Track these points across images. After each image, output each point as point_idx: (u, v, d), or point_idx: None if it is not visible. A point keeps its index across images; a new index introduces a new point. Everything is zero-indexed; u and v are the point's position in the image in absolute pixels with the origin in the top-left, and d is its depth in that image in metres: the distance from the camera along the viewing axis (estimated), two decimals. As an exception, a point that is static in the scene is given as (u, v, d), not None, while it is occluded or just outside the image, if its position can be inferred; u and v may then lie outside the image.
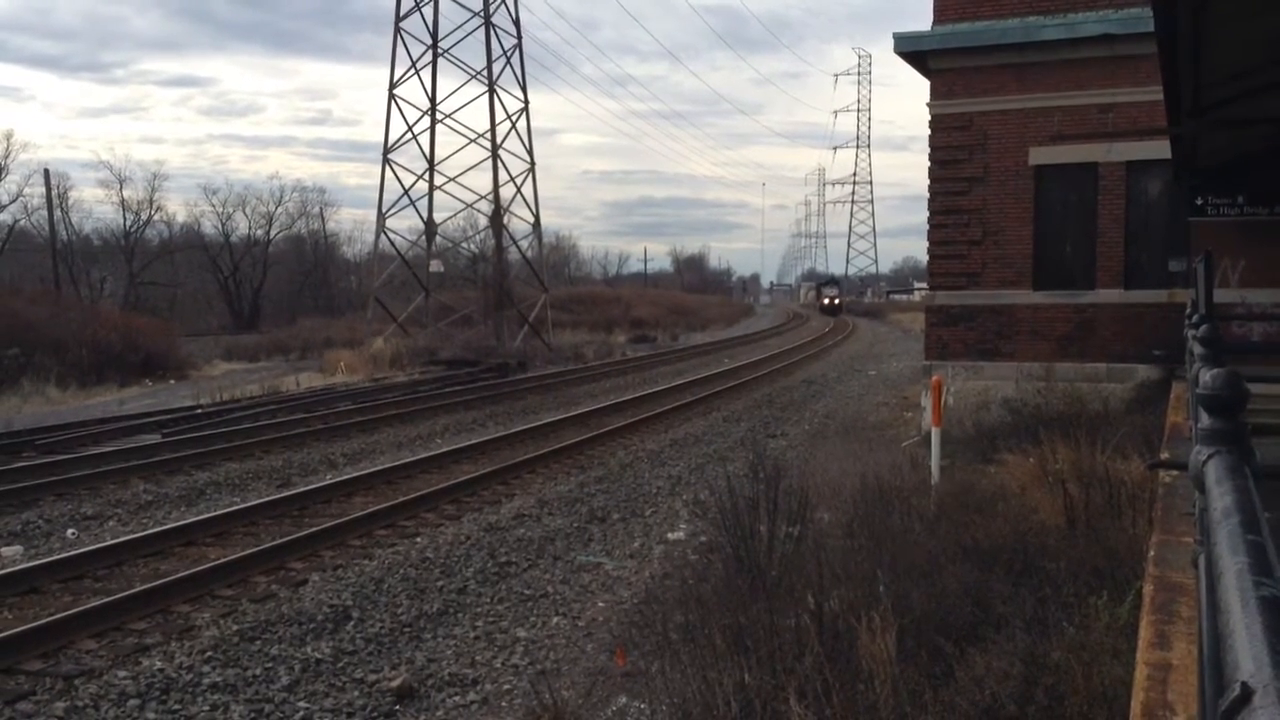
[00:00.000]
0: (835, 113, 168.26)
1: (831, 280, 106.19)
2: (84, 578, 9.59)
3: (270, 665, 7.56)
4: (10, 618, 8.51)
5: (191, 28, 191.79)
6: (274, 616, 8.52)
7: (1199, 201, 13.23)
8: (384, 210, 38.32)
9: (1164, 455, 7.33)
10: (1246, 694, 0.99)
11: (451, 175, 38.30)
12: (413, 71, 37.79)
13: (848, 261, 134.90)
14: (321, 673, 7.50)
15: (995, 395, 15.71)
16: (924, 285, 31.70)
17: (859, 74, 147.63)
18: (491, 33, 37.33)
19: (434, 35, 37.94)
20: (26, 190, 58.47)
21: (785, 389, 26.22)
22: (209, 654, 7.69)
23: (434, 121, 38.19)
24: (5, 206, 57.78)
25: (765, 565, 7.72)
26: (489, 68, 37.18)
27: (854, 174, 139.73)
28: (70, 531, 11.59)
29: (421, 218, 38.78)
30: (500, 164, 37.30)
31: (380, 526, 11.47)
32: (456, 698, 7.18)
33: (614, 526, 11.94)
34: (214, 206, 68.55)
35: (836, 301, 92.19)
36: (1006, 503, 8.84)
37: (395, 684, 7.22)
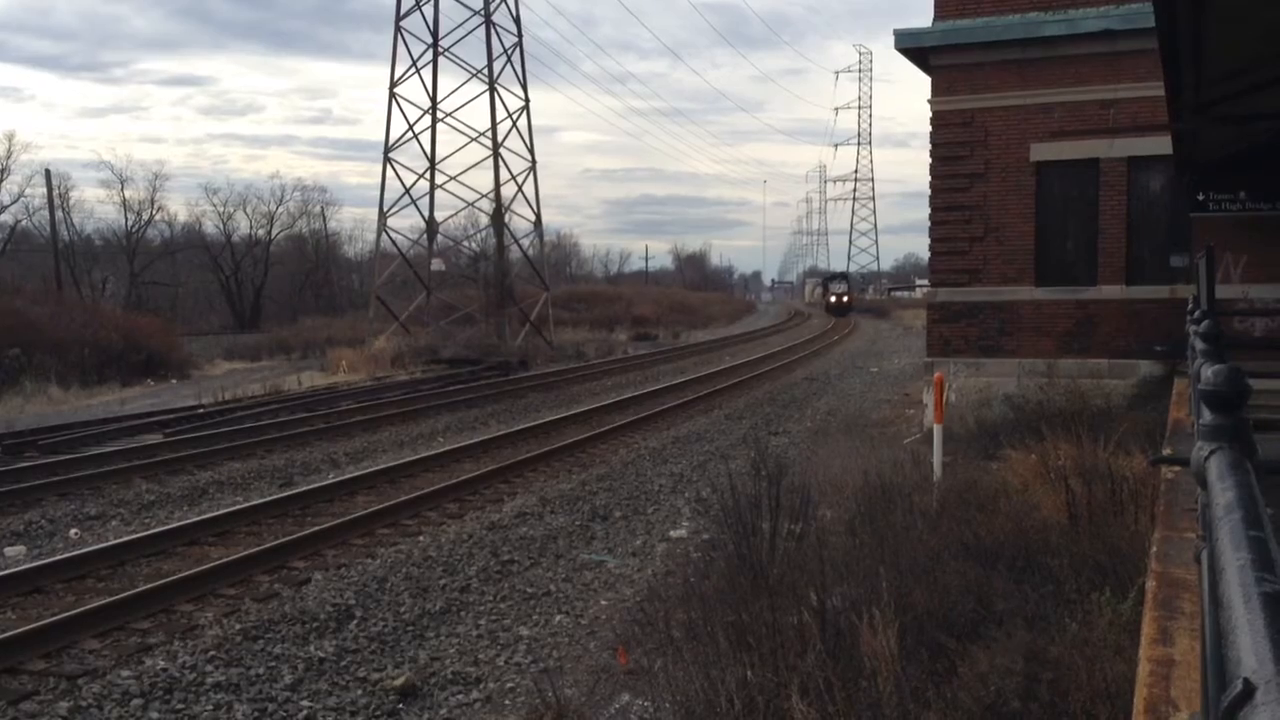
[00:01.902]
0: (836, 109, 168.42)
1: (839, 275, 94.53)
2: (87, 578, 9.60)
3: (273, 664, 7.57)
4: (13, 618, 8.52)
5: (190, 27, 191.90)
6: (277, 615, 8.53)
7: (1201, 197, 13.23)
8: (385, 209, 38.33)
9: (1166, 451, 7.32)
10: (1249, 690, 0.99)
11: (452, 174, 38.31)
12: (413, 70, 37.77)
13: (849, 259, 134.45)
14: (324, 671, 7.51)
15: (997, 392, 15.71)
16: (926, 282, 31.69)
17: (860, 71, 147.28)
18: (492, 31, 37.34)
19: (434, 34, 37.94)
20: (28, 191, 58.54)
21: (787, 386, 26.21)
22: (212, 653, 7.69)
23: (435, 120, 38.19)
24: (7, 207, 57.88)
25: (767, 562, 7.72)
26: (489, 66, 37.18)
27: (855, 171, 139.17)
28: (73, 531, 11.61)
29: (423, 216, 38.79)
30: (501, 162, 37.31)
31: (383, 525, 11.48)
32: (460, 696, 7.18)
33: (616, 524, 11.95)
34: (215, 206, 68.55)
35: (845, 299, 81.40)
36: (1009, 499, 8.83)
37: (398, 682, 7.23)
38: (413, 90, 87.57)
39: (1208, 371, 2.30)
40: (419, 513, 12.10)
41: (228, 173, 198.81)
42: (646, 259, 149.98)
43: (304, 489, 13.30)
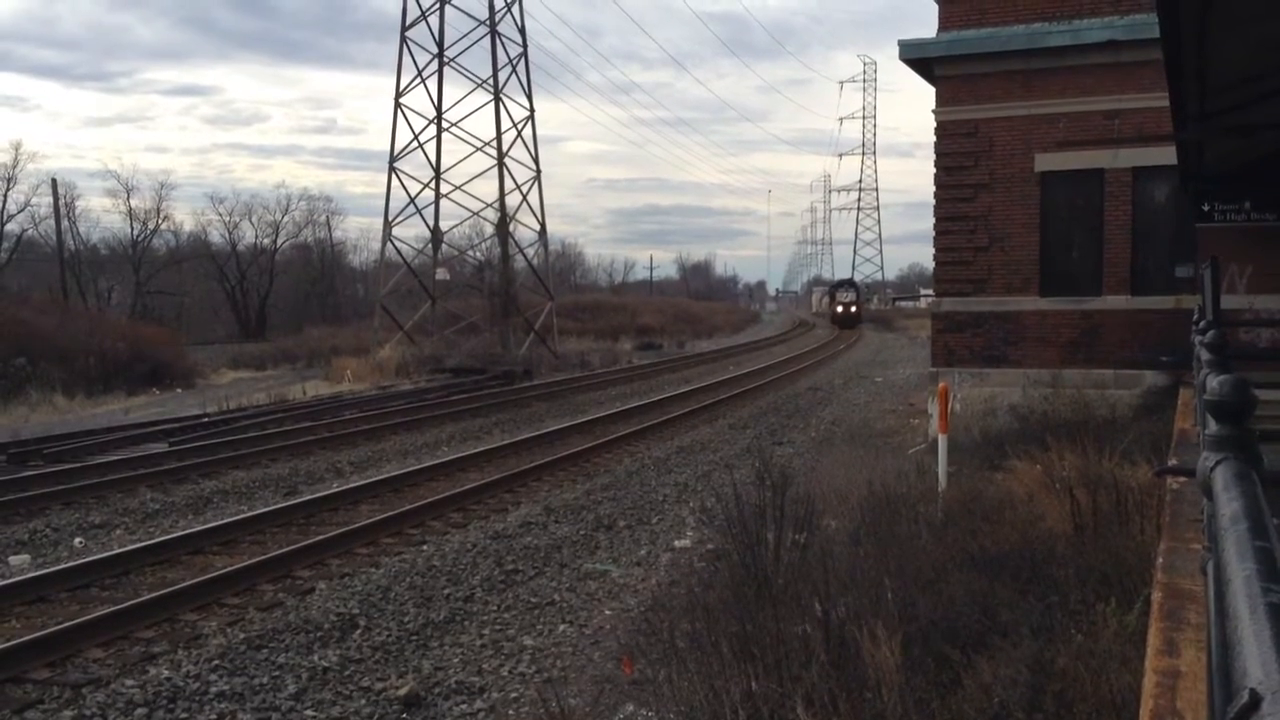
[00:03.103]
0: (840, 119, 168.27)
1: (847, 282, 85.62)
2: (91, 586, 9.61)
3: (277, 674, 7.57)
4: (18, 626, 8.53)
5: (195, 37, 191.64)
6: (281, 625, 8.53)
7: (1205, 207, 13.22)
8: (390, 219, 38.41)
9: (1172, 461, 7.31)
10: (1255, 700, 0.98)
11: (457, 183, 38.42)
12: (419, 80, 37.90)
13: (854, 268, 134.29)
14: (328, 681, 7.50)
15: (1002, 402, 15.68)
16: (930, 292, 31.67)
17: (864, 81, 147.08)
18: (497, 41, 37.44)
19: (440, 44, 38.06)
20: (34, 200, 59.00)
21: (791, 396, 26.19)
22: (216, 662, 7.69)
23: (440, 130, 38.29)
24: (14, 216, 58.16)
25: (772, 573, 7.71)
26: (495, 76, 37.28)
27: (859, 180, 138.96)
28: (77, 540, 11.62)
29: (428, 226, 38.89)
30: (506, 172, 37.39)
31: (387, 534, 11.48)
32: (464, 706, 7.17)
33: (621, 534, 11.93)
34: (220, 215, 68.87)
35: (854, 309, 75.30)
36: (1014, 510, 8.81)
37: (402, 692, 7.22)
38: (418, 100, 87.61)
39: (1213, 382, 2.30)
40: (423, 522, 12.10)
41: (233, 182, 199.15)
42: (651, 268, 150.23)
43: (308, 498, 13.30)
